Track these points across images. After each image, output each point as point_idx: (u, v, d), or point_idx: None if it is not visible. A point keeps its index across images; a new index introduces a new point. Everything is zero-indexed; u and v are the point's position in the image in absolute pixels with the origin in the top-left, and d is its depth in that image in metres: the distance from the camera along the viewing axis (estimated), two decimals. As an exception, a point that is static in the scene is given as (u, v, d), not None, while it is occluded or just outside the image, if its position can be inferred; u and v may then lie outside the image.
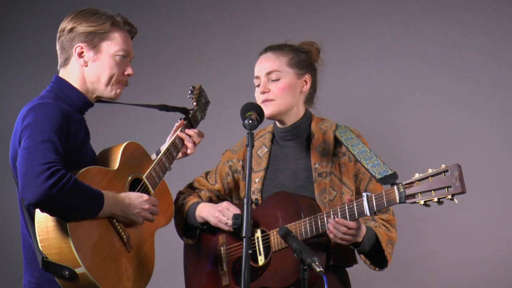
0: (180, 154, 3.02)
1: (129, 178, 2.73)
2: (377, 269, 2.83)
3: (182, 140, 3.01)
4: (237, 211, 2.87)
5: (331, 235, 2.67)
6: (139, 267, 2.68)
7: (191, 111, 3.10)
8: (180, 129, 3.02)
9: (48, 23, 4.73)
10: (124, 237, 2.62)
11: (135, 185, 2.76)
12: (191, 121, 3.07)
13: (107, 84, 2.72)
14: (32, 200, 2.36)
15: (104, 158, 2.74)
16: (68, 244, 2.43)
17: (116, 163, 2.70)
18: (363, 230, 2.71)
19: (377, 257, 2.80)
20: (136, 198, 2.64)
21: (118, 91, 2.75)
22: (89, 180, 2.53)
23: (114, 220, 2.60)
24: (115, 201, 2.57)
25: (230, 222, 2.85)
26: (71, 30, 2.70)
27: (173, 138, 2.99)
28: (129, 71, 2.75)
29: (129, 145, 2.78)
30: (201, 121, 3.15)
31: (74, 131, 2.61)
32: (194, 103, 3.14)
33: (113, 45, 2.71)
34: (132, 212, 2.62)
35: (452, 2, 4.14)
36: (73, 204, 2.42)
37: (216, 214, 2.90)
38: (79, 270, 2.43)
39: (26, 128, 2.49)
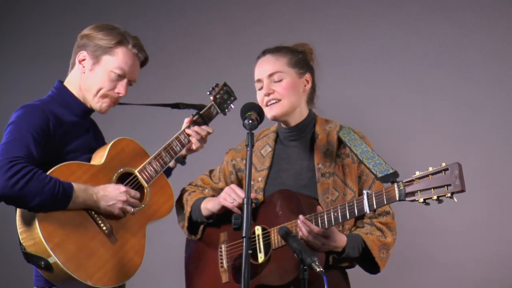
0: (184, 151, 3.04)
1: (119, 171, 2.79)
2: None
3: (188, 136, 3.02)
4: (240, 191, 2.87)
5: (300, 233, 2.69)
6: (124, 259, 2.72)
7: (204, 108, 3.11)
8: (188, 125, 3.04)
9: (48, 23, 4.76)
10: (105, 228, 2.68)
11: (127, 179, 2.81)
12: (203, 117, 3.08)
13: (94, 95, 2.79)
14: None
15: (94, 156, 2.81)
16: (38, 235, 2.52)
17: (102, 159, 2.76)
18: (340, 241, 2.73)
19: (369, 263, 2.82)
20: (113, 190, 2.69)
21: (104, 105, 2.81)
22: (67, 174, 2.61)
23: (93, 212, 2.66)
24: (88, 193, 2.63)
25: (235, 202, 2.85)
26: (84, 37, 2.81)
27: (177, 133, 3.01)
28: (120, 89, 2.80)
29: (119, 141, 2.84)
30: (216, 116, 3.15)
31: (62, 133, 2.70)
32: (211, 98, 3.15)
33: (112, 61, 2.78)
34: (108, 203, 2.67)
35: (452, 2, 4.14)
36: (34, 196, 2.50)
37: (222, 195, 2.90)
38: (51, 260, 2.53)
39: (7, 127, 2.63)
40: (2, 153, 2.53)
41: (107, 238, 2.68)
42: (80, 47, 2.80)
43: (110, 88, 2.79)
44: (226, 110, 3.21)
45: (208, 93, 3.17)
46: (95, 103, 2.80)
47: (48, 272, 2.56)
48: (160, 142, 3.00)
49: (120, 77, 2.79)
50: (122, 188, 2.72)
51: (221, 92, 3.19)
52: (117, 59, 2.78)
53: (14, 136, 2.58)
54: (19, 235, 2.59)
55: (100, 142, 2.90)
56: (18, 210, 2.61)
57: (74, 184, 2.60)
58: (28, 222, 2.56)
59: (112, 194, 2.69)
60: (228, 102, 3.21)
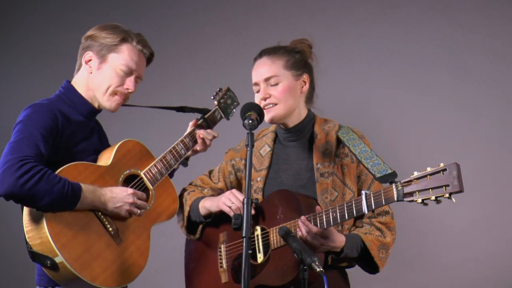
0: (190, 152, 3.05)
1: (125, 173, 2.80)
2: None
3: (193, 139, 3.04)
4: (241, 196, 2.87)
5: (299, 233, 2.69)
6: (129, 260, 2.73)
7: (209, 112, 3.14)
8: (193, 128, 3.06)
9: (48, 23, 4.77)
10: (111, 229, 2.69)
11: (133, 181, 2.82)
12: (207, 121, 3.11)
13: (104, 93, 2.80)
14: (1, 191, 2.49)
15: (100, 156, 2.82)
16: (45, 234, 2.53)
17: (109, 160, 2.77)
18: (339, 241, 2.73)
19: (368, 262, 2.82)
20: (120, 192, 2.71)
21: (114, 103, 2.82)
22: (74, 175, 2.62)
23: (99, 213, 2.68)
24: (96, 194, 2.65)
25: (234, 205, 2.86)
26: (88, 38, 2.83)
27: (182, 136, 3.03)
28: (128, 85, 2.81)
29: (126, 143, 2.85)
30: (220, 120, 3.18)
31: (71, 132, 2.71)
32: (215, 103, 3.17)
33: (118, 58, 2.79)
34: (115, 205, 2.69)
35: (452, 2, 4.14)
36: (43, 196, 2.51)
37: (222, 199, 2.91)
38: (58, 260, 2.54)
39: (16, 126, 2.64)
40: (12, 152, 2.53)
41: (113, 240, 2.69)
42: (85, 49, 2.81)
43: (118, 84, 2.80)
44: (230, 115, 3.23)
45: (212, 97, 3.18)
46: (105, 101, 2.80)
47: (53, 271, 2.56)
48: (163, 144, 3.00)
49: (128, 73, 2.81)
50: (129, 190, 2.73)
51: (225, 96, 3.21)
52: (123, 56, 2.79)
53: (23, 134, 2.58)
54: (25, 234, 2.59)
55: (104, 143, 2.91)
56: (25, 209, 2.61)
57: (83, 185, 2.61)
58: (35, 221, 2.57)
59: (120, 196, 2.70)
60: (232, 107, 3.24)
